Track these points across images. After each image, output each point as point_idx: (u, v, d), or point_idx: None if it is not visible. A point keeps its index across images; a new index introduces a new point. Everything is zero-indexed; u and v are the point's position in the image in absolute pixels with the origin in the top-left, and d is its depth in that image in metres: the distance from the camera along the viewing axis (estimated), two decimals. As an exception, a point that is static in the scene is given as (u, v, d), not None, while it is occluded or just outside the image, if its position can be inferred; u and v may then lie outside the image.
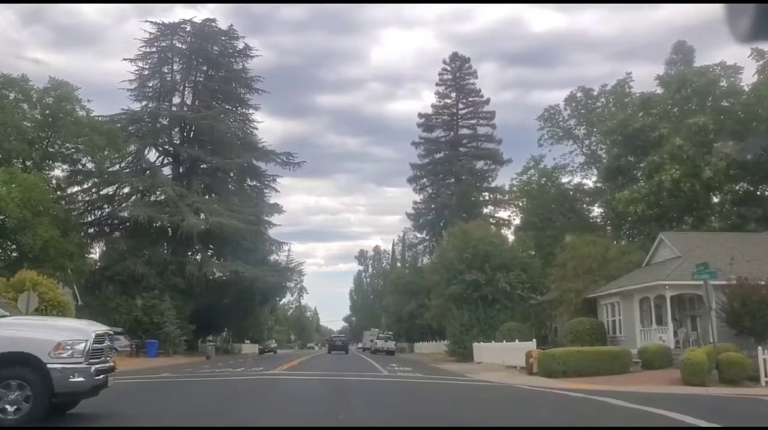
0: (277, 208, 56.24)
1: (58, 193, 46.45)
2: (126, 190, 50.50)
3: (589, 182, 45.85)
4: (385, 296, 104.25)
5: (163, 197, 47.73)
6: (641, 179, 35.95)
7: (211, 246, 52.92)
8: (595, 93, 44.90)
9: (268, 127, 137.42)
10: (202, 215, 48.89)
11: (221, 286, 52.95)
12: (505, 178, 75.94)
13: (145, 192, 50.81)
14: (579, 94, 44.95)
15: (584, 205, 47.03)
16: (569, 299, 32.06)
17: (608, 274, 32.15)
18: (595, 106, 44.55)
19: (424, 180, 76.23)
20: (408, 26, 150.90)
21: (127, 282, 46.83)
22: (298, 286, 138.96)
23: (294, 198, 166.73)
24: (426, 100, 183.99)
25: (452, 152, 74.09)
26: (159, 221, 45.77)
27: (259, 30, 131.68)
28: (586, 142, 45.79)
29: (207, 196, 52.94)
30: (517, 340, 26.98)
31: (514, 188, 48.35)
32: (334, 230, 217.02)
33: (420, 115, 75.66)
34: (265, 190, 58.63)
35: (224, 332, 63.44)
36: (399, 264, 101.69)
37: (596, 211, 46.77)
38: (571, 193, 46.48)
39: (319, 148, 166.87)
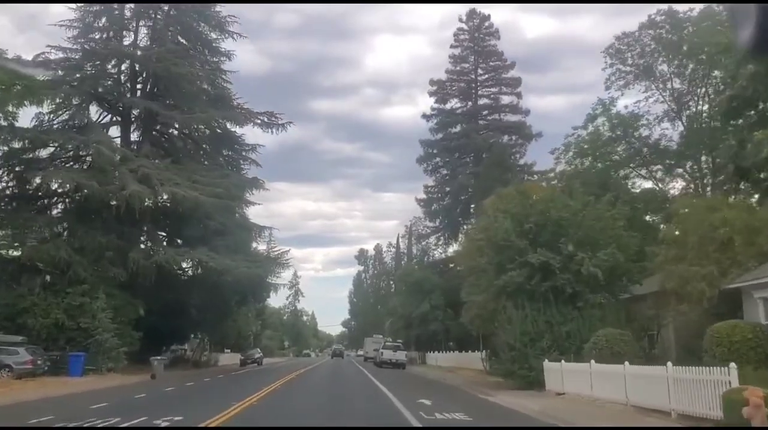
0: (257, 183, 43.96)
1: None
2: (54, 152, 38.00)
3: (674, 135, 33.63)
4: (390, 297, 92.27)
5: (96, 159, 35.03)
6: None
7: (167, 229, 40.94)
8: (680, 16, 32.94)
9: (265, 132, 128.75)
10: (161, 191, 36.85)
11: (183, 280, 41.06)
12: (533, 157, 64.40)
13: (86, 157, 38.66)
14: (660, 18, 32.89)
15: (662, 171, 35.11)
16: (699, 291, 20.19)
17: (759, 251, 20.38)
18: (683, 34, 32.64)
19: (437, 159, 64.76)
20: (402, 33, 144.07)
21: (53, 274, 35.17)
22: (294, 288, 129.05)
23: (290, 203, 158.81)
24: (421, 105, 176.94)
25: (470, 125, 62.78)
26: (88, 189, 33.30)
27: (254, 36, 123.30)
28: (669, 85, 33.74)
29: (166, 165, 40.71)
30: (669, 363, 14.27)
31: (572, 146, 35.38)
32: (331, 235, 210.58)
33: (431, 82, 64.16)
34: (242, 163, 46.59)
35: (193, 339, 51.16)
36: (405, 259, 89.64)
37: (678, 181, 35.04)
38: (647, 154, 34.42)
39: (316, 154, 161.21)
